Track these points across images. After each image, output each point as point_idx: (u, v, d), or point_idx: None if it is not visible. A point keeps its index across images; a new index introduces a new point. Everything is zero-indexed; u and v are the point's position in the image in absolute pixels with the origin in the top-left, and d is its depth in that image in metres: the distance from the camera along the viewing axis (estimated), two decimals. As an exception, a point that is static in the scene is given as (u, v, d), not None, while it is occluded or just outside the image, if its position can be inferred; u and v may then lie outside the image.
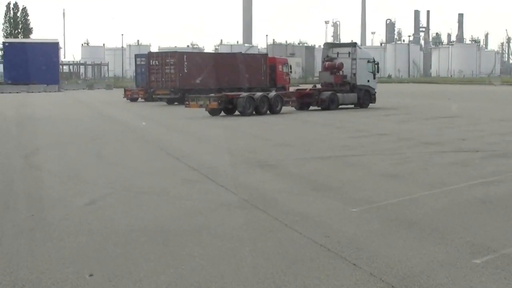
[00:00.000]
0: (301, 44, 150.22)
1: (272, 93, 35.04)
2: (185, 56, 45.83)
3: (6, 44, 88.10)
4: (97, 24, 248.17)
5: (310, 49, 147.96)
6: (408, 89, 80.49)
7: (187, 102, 32.58)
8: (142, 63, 51.94)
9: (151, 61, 45.08)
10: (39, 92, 76.57)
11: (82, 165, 15.84)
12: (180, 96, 42.38)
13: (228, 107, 32.09)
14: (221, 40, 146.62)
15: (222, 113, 31.94)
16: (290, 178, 13.37)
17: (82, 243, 8.29)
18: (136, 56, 55.62)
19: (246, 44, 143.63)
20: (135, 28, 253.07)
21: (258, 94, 33.71)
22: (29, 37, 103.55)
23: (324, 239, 8.28)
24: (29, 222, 9.49)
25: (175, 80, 43.65)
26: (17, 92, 74.96)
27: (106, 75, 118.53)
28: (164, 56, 45.27)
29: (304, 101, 36.21)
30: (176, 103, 44.11)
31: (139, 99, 49.78)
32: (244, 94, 33.62)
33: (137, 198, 11.32)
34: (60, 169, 15.14)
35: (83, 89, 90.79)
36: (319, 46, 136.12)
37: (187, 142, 21.34)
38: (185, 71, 44.09)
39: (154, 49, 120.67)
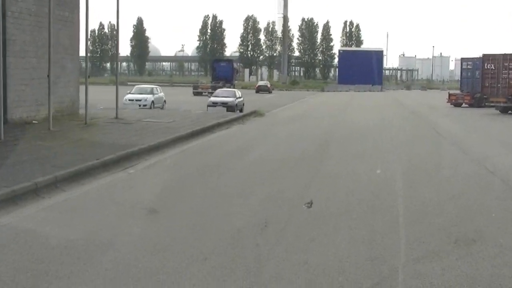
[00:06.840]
0: None
1: None
2: (526, 59, 41.92)
3: (341, 51, 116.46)
4: (411, 38, 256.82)
5: None
6: None
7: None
8: (469, 67, 50.56)
9: (485, 65, 42.66)
10: (364, 91, 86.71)
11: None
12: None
13: None
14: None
15: None
16: None
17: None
18: (463, 60, 53.22)
19: None
20: (440, 41, 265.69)
21: None
22: (359, 47, 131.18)
23: None
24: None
25: (514, 86, 40.60)
26: (346, 91, 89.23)
27: (416, 78, 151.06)
28: (502, 59, 42.24)
29: None
30: (510, 111, 40.07)
31: (463, 104, 48.28)
32: None
33: None
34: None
35: (401, 89, 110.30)
36: None
37: None
38: (527, 76, 40.94)
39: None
